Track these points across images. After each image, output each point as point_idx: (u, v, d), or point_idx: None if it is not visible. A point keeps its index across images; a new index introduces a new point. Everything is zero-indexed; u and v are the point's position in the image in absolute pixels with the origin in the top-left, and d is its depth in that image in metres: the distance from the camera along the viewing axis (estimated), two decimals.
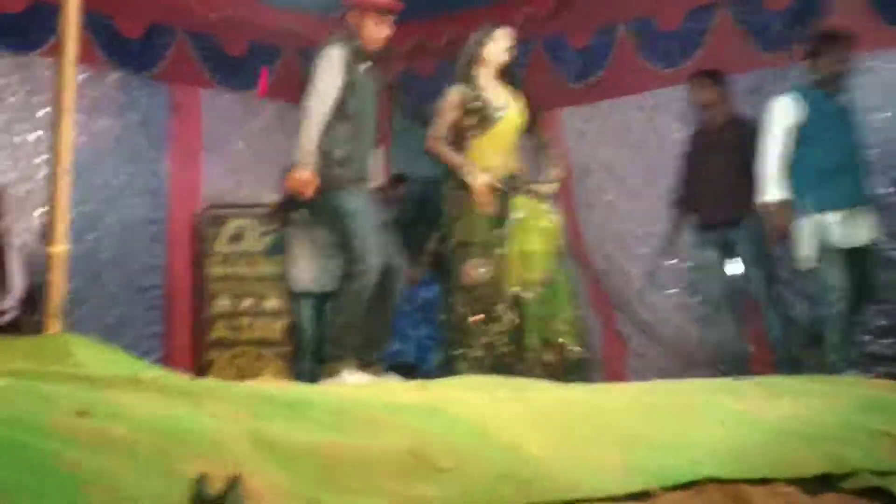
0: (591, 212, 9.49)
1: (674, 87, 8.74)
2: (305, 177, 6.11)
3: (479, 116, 6.74)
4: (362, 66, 6.38)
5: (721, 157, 7.89)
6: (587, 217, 9.51)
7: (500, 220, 6.68)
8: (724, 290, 7.99)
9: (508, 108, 6.83)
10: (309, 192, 6.16)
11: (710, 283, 8.07)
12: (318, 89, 6.23)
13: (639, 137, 9.25)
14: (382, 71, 6.89)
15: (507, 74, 6.94)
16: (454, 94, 6.78)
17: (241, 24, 9.54)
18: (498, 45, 6.83)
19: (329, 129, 6.26)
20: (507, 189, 6.73)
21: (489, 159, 6.75)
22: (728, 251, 7.95)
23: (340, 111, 6.27)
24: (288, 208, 7.99)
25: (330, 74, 6.26)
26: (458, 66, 6.94)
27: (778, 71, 8.24)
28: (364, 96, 6.39)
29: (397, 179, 9.76)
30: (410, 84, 10.42)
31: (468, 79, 6.83)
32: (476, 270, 6.63)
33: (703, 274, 8.15)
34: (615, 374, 8.65)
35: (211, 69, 9.73)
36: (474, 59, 6.83)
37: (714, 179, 7.88)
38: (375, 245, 6.22)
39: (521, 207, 6.74)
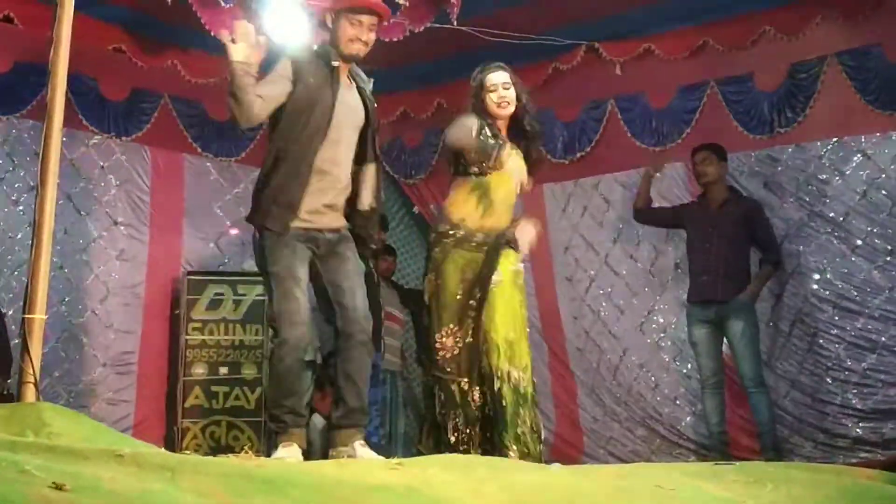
0: (570, 286, 9.49)
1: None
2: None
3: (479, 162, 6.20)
4: (322, 74, 5.72)
5: (720, 233, 7.95)
6: (565, 291, 9.51)
7: (480, 278, 6.11)
8: (714, 368, 7.97)
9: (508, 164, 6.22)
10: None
11: (699, 359, 8.06)
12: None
13: (620, 214, 9.27)
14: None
15: (516, 124, 6.37)
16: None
17: (226, 90, 9.54)
18: (494, 97, 6.24)
19: (268, 155, 5.73)
20: (494, 245, 6.17)
21: (490, 217, 6.21)
22: (720, 328, 7.94)
23: (284, 131, 5.65)
24: None
25: (270, 83, 5.66)
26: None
27: (764, 154, 8.32)
28: (321, 111, 5.67)
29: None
30: (396, 155, 10.45)
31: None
32: (448, 339, 6.13)
33: (694, 350, 8.13)
34: (568, 457, 8.51)
35: (194, 135, 9.72)
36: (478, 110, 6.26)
37: (712, 255, 7.92)
38: (296, 313, 5.52)
39: (504, 268, 6.15)
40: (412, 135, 10.40)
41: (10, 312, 8.01)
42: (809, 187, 8.15)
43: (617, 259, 9.32)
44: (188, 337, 9.15)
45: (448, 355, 6.13)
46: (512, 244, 6.22)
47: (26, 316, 3.89)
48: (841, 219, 7.97)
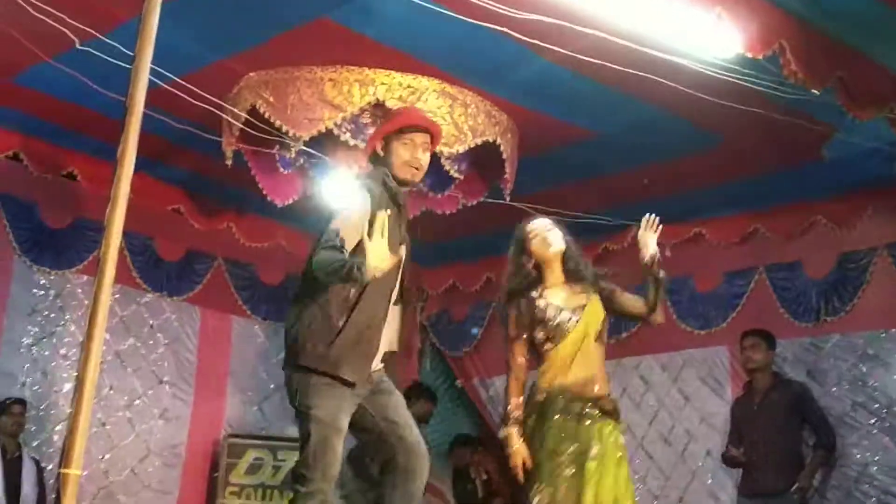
0: None
1: (703, 349, 8.80)
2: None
3: (545, 328, 5.66)
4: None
5: (766, 422, 7.69)
6: None
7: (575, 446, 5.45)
8: None
9: (579, 314, 5.74)
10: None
11: None
12: None
13: (660, 397, 9.22)
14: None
15: (572, 268, 5.84)
16: (511, 313, 5.74)
17: (279, 255, 9.63)
18: (538, 241, 5.77)
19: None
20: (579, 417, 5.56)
21: (561, 375, 5.63)
22: None
23: None
24: None
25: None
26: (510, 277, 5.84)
27: (808, 341, 8.27)
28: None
29: (421, 394, 9.16)
30: (443, 327, 10.47)
31: (527, 285, 5.76)
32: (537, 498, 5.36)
33: None
34: None
35: (244, 297, 9.81)
36: (526, 263, 5.76)
37: (759, 445, 7.67)
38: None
39: (599, 440, 5.55)
40: (459, 307, 10.43)
41: (50, 467, 8.03)
42: (853, 377, 8.04)
43: (651, 442, 9.19)
44: (224, 501, 9.06)
45: None
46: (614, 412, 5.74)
47: (62, 470, 3.90)
48: (885, 411, 7.83)
